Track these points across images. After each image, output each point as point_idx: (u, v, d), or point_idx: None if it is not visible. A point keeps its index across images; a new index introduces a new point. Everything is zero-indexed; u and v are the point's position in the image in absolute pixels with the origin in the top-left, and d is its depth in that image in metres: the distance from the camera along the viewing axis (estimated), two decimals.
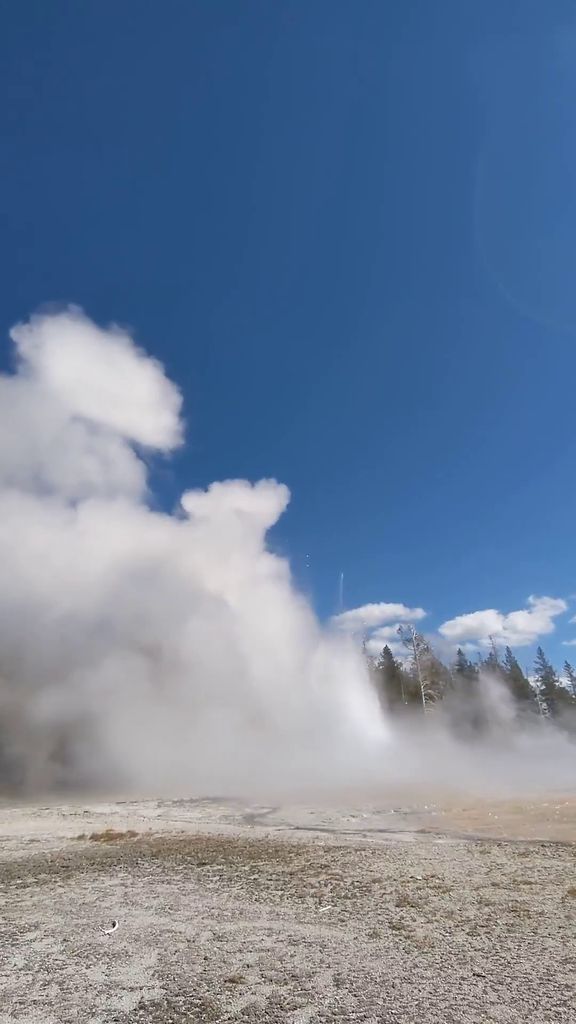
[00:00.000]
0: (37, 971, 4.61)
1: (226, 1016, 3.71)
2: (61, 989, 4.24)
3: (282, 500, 57.88)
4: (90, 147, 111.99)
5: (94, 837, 11.95)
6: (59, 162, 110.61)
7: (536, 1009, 3.71)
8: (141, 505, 49.60)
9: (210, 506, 53.31)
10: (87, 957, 4.89)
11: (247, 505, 54.44)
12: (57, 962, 4.80)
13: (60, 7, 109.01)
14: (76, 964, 4.74)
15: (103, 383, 52.20)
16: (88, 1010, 3.88)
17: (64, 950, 5.09)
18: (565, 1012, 3.66)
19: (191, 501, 54.84)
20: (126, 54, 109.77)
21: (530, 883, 7.14)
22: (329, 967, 4.50)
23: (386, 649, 67.02)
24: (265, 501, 56.42)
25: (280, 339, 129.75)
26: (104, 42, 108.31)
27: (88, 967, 4.66)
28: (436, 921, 5.66)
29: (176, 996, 4.04)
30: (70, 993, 4.16)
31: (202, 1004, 3.89)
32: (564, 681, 65.12)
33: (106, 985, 4.29)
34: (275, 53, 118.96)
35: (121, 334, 58.48)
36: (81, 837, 12.07)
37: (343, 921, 5.75)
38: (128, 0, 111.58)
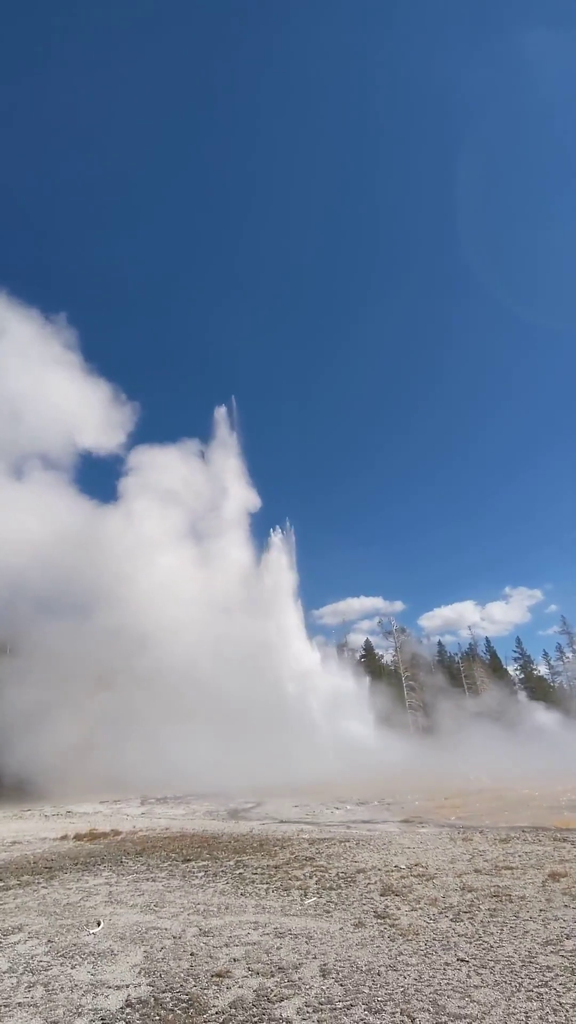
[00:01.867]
0: (22, 973, 4.57)
1: (213, 1010, 3.72)
2: (46, 990, 4.21)
3: (235, 465, 52.70)
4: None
5: (77, 837, 11.86)
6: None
7: (519, 991, 3.78)
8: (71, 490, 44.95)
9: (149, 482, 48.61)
10: (72, 957, 4.87)
11: (193, 479, 50.23)
12: (42, 963, 4.76)
13: None
14: (61, 965, 4.71)
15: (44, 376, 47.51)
16: (74, 1010, 3.86)
17: (49, 951, 5.05)
18: (547, 993, 3.74)
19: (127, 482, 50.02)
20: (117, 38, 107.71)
21: (511, 868, 7.27)
22: (315, 958, 4.54)
23: (367, 642, 67.49)
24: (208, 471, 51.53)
25: (266, 334, 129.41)
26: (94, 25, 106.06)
27: (73, 967, 4.64)
28: (420, 909, 5.73)
29: (163, 993, 4.04)
30: (56, 994, 4.13)
31: (189, 999, 3.89)
32: (542, 669, 66.39)
33: (92, 984, 4.27)
34: (257, 54, 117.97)
35: (62, 325, 51.90)
36: (64, 837, 11.98)
37: (329, 912, 5.79)
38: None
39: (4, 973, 4.60)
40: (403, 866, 7.61)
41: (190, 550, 43.16)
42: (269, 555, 47.39)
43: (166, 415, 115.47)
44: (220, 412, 52.64)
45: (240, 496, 49.38)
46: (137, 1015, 3.73)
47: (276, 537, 48.61)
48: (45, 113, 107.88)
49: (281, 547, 47.80)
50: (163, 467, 48.02)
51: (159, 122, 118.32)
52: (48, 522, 38.14)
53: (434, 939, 4.86)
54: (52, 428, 45.61)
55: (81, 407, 48.70)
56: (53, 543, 36.28)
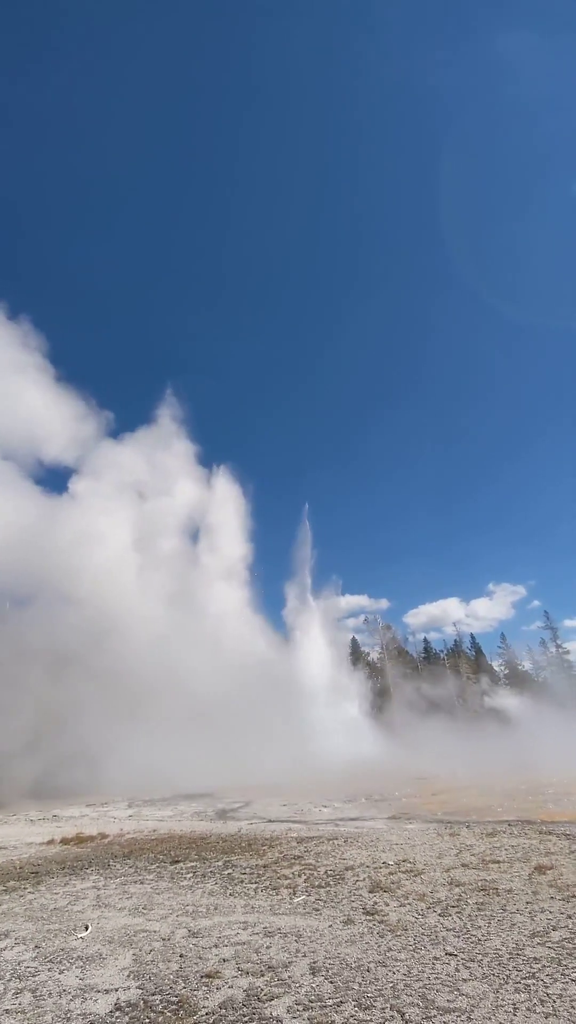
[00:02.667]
0: (9, 980, 4.52)
1: (203, 1011, 3.71)
2: (34, 996, 4.17)
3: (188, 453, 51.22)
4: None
5: (64, 841, 11.74)
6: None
7: (507, 983, 3.82)
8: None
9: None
10: (60, 962, 4.82)
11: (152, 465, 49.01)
12: (29, 969, 4.71)
13: None
14: (49, 970, 4.66)
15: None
16: (63, 1015, 3.82)
17: (36, 957, 5.00)
18: (534, 984, 3.78)
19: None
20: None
21: (498, 862, 7.34)
22: (305, 956, 4.55)
23: (353, 639, 67.75)
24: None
25: (249, 331, 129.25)
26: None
27: (62, 972, 4.60)
28: (408, 904, 5.77)
29: (152, 995, 4.02)
30: (44, 1000, 4.09)
31: (179, 1001, 3.87)
32: (527, 665, 67.15)
33: (80, 989, 4.23)
34: (238, 54, 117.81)
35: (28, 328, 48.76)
36: (50, 842, 11.85)
37: (318, 910, 5.80)
38: None
39: None
40: (391, 862, 7.65)
41: (161, 540, 42.86)
42: (212, 493, 46.73)
43: (138, 410, 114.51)
44: (166, 397, 52.22)
45: (187, 484, 48.82)
46: (127, 1018, 3.71)
47: (221, 469, 47.62)
48: (10, 109, 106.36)
49: (227, 486, 46.73)
50: (123, 462, 47.61)
51: (132, 118, 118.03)
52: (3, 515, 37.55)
53: (423, 934, 4.89)
54: (13, 428, 44.81)
55: (47, 415, 47.72)
56: (7, 537, 35.86)
